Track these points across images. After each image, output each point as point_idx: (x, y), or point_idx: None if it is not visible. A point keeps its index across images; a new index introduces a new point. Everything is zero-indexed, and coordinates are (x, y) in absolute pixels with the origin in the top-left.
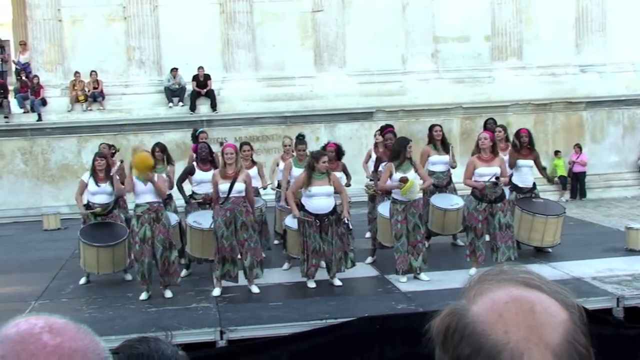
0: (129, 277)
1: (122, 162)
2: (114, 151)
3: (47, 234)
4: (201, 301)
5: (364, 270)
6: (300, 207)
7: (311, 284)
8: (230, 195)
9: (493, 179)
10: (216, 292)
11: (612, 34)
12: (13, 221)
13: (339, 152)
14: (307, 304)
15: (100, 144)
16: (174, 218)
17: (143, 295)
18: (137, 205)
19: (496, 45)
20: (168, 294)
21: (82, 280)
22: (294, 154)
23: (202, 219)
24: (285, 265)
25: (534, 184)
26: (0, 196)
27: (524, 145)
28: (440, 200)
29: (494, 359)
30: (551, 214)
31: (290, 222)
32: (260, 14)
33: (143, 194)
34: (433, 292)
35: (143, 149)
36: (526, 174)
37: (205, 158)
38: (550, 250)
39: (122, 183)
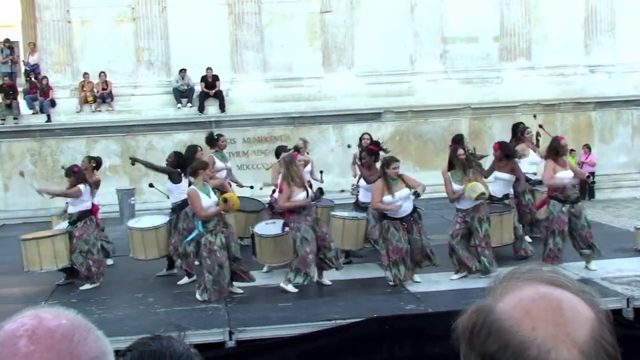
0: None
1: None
2: (94, 164)
3: None
4: (210, 301)
5: (372, 270)
6: (382, 215)
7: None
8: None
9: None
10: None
11: (621, 34)
12: (22, 222)
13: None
14: (316, 305)
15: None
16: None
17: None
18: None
19: (505, 45)
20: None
21: (61, 281)
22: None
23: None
24: (265, 268)
25: (506, 195)
26: (9, 197)
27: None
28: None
29: (522, 355)
30: (492, 213)
31: (261, 228)
32: (268, 14)
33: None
34: (442, 292)
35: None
36: (500, 185)
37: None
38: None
39: None
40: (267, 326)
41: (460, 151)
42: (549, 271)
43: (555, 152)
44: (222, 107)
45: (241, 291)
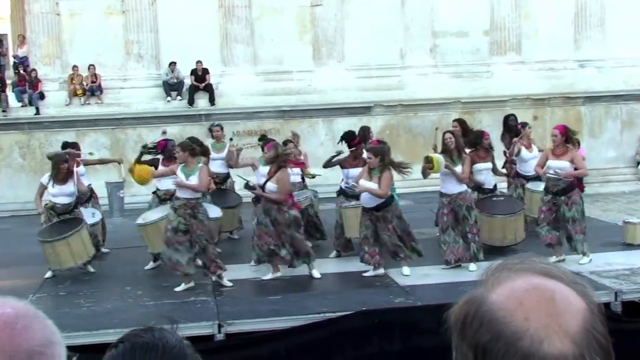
0: (91, 269)
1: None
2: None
3: None
4: (199, 294)
5: (362, 264)
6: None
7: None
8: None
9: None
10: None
11: (611, 29)
12: (11, 215)
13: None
14: (306, 298)
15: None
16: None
17: (180, 287)
18: (175, 198)
19: (495, 40)
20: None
21: (48, 274)
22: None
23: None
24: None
25: (495, 184)
26: None
27: (484, 147)
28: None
29: (514, 345)
30: (508, 213)
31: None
32: (258, 8)
33: (180, 189)
34: (431, 286)
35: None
36: (486, 176)
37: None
38: (514, 246)
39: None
40: (256, 319)
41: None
42: (542, 262)
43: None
44: (211, 101)
45: (230, 284)
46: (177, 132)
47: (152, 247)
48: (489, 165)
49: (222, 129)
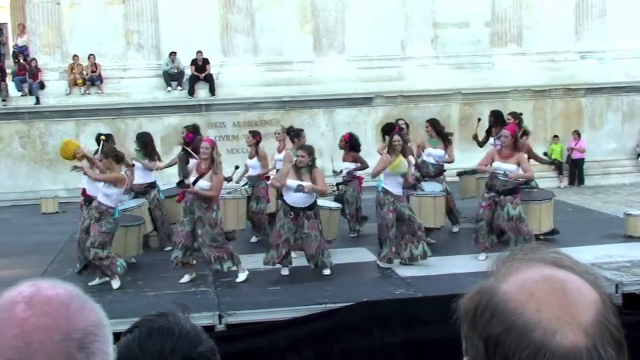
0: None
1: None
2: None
3: (45, 218)
4: (200, 285)
5: (362, 255)
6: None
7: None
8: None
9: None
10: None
11: (612, 21)
12: (11, 204)
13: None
14: (306, 289)
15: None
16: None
17: (185, 278)
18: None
19: (496, 31)
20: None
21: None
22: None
23: None
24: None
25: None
26: None
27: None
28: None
29: (526, 337)
30: (533, 200)
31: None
32: None
33: None
34: (432, 277)
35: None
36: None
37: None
38: (541, 237)
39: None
40: (257, 310)
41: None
42: (553, 252)
43: None
44: (212, 91)
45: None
46: (177, 123)
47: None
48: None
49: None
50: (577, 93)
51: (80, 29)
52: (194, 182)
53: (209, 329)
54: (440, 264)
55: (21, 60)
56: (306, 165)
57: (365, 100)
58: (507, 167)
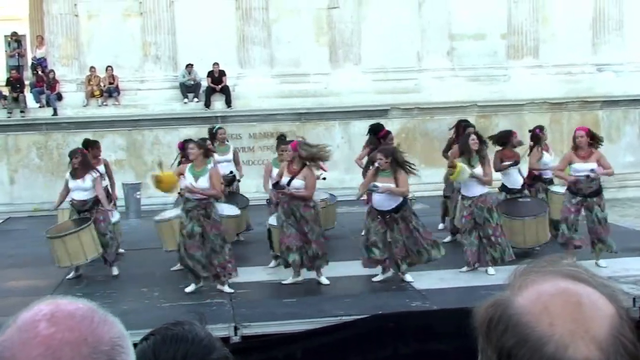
0: (115, 271)
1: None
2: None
3: None
4: (215, 297)
5: (378, 267)
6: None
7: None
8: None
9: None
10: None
11: (629, 33)
12: (28, 215)
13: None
14: (321, 301)
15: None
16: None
17: (190, 288)
18: (186, 200)
19: (512, 43)
20: (226, 288)
21: (71, 275)
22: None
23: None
24: (272, 263)
25: (523, 185)
26: (15, 190)
27: (512, 146)
28: None
29: (539, 350)
30: (528, 215)
31: (273, 220)
32: (275, 10)
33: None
34: (448, 289)
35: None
36: (514, 176)
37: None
38: (537, 249)
39: None
40: (272, 322)
41: (473, 137)
42: (570, 265)
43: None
44: (228, 103)
45: (230, 290)
46: (193, 134)
47: (165, 245)
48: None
49: (225, 132)
50: (593, 106)
51: (98, 41)
52: (288, 183)
53: (224, 340)
54: (456, 277)
55: (39, 72)
56: (389, 168)
57: (381, 112)
58: (588, 167)
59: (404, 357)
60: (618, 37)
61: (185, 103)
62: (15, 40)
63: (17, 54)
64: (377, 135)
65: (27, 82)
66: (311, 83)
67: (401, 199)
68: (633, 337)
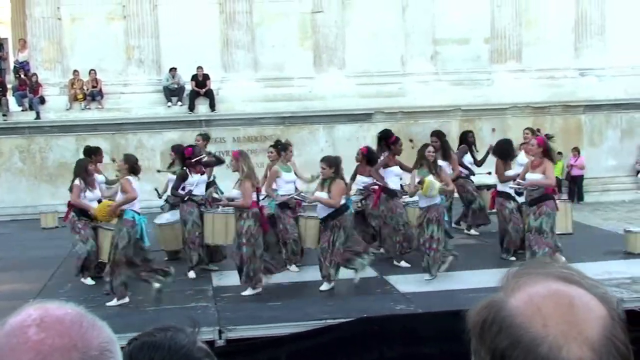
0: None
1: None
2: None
3: (45, 233)
4: (200, 300)
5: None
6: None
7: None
8: None
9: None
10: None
11: (611, 38)
12: (11, 219)
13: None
14: (306, 305)
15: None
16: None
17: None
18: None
19: (495, 47)
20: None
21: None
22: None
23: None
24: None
25: None
26: None
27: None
28: None
29: (532, 352)
30: None
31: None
32: (260, 14)
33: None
34: (432, 293)
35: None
36: None
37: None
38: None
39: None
40: (257, 325)
41: (430, 149)
42: (562, 267)
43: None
44: (212, 106)
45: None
46: (177, 138)
47: (165, 245)
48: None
49: (204, 139)
50: (576, 110)
51: (81, 45)
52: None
53: (208, 344)
54: (440, 280)
55: (22, 76)
56: (329, 177)
57: (365, 116)
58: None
59: None
60: (600, 42)
61: (169, 107)
62: None
63: None
64: (387, 141)
65: (9, 86)
66: (295, 87)
67: (331, 209)
68: (625, 338)
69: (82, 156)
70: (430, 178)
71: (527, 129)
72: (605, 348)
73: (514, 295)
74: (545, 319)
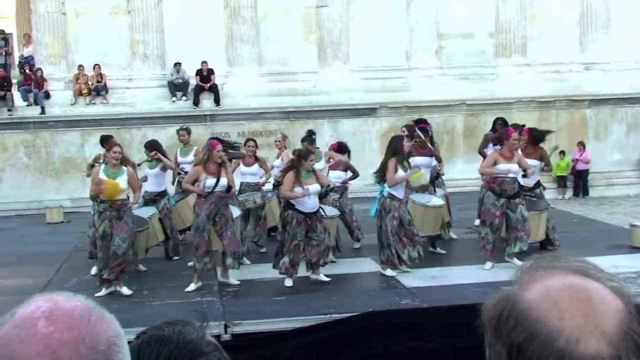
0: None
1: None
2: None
3: (50, 227)
4: (205, 295)
5: (367, 265)
6: (290, 206)
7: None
8: (215, 190)
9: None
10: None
11: (616, 32)
12: (16, 214)
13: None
14: (311, 299)
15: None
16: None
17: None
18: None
19: (500, 42)
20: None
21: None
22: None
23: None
24: None
25: (537, 182)
26: (2, 189)
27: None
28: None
29: (549, 345)
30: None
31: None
32: (264, 8)
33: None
34: (437, 287)
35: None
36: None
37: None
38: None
39: None
40: (262, 320)
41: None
42: (577, 260)
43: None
44: (217, 101)
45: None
46: None
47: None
48: (535, 162)
49: (188, 133)
50: (581, 104)
51: (85, 39)
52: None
53: (214, 338)
54: (445, 275)
55: (27, 71)
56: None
57: (369, 111)
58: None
59: (394, 354)
60: (605, 36)
61: (174, 102)
62: (2, 39)
63: (4, 52)
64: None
65: (14, 81)
66: (300, 82)
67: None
68: None
69: (86, 151)
70: (424, 171)
71: (513, 125)
72: (622, 342)
73: (529, 289)
74: (562, 312)
